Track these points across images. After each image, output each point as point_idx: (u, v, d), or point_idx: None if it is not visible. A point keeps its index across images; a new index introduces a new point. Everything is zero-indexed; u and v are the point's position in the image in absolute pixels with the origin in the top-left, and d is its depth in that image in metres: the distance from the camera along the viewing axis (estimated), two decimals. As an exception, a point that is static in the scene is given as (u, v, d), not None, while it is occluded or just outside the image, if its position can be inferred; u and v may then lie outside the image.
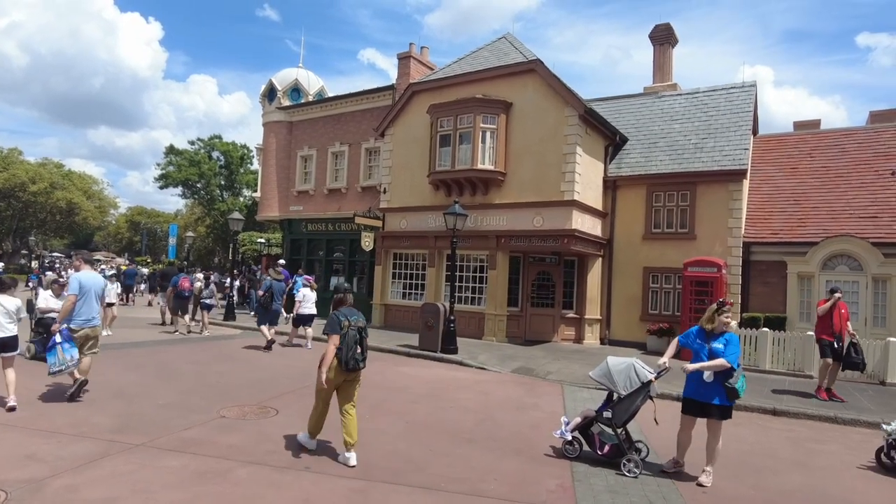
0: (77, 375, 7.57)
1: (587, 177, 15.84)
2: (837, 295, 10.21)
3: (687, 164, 16.33)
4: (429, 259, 17.36)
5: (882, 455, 6.57)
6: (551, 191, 15.29)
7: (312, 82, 23.76)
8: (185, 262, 39.62)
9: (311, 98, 23.21)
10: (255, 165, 46.90)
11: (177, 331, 15.07)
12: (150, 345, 12.85)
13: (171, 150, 44.57)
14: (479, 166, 15.81)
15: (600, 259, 16.90)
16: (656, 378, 6.02)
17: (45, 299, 9.69)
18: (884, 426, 6.64)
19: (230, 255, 20.30)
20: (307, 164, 22.53)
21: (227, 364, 11.06)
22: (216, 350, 12.70)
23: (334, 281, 21.47)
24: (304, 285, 14.36)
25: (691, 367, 5.86)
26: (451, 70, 17.73)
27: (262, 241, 26.75)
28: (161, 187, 44.56)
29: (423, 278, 17.80)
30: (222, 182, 45.88)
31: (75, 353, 7.48)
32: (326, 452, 6.01)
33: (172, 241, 47.80)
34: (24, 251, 52.76)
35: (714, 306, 5.94)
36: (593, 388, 10.48)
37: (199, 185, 45.01)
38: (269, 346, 12.71)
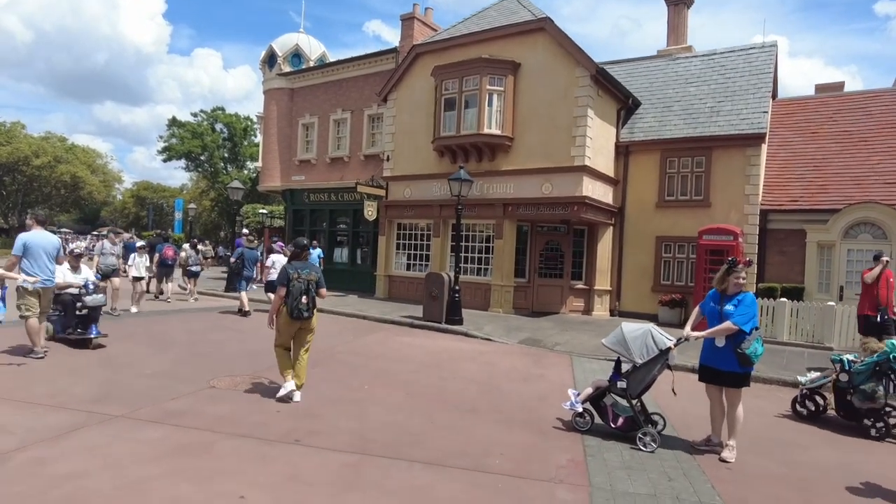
0: (42, 342, 7.85)
1: (598, 142, 15.17)
2: (886, 259, 9.52)
3: (702, 129, 15.60)
4: (433, 229, 16.84)
5: (796, 404, 7.05)
6: (561, 156, 14.65)
7: (314, 47, 22.99)
8: (191, 236, 39.36)
9: (312, 64, 22.46)
10: (259, 137, 46.26)
11: (168, 298, 15.21)
12: (145, 315, 12.51)
13: (173, 122, 43.90)
14: (486, 131, 15.16)
15: (611, 228, 16.32)
16: (675, 346, 5.54)
17: (63, 273, 8.89)
18: (800, 378, 7.18)
19: (233, 227, 19.84)
20: (309, 133, 21.92)
21: (223, 333, 10.69)
22: (213, 320, 12.34)
23: (338, 252, 21.07)
24: (277, 251, 13.75)
25: (694, 333, 5.43)
26: (457, 30, 16.95)
27: (265, 212, 26.29)
28: (164, 160, 44.06)
29: (428, 249, 17.32)
30: (226, 155, 45.29)
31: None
32: (321, 422, 5.61)
33: (178, 215, 47.48)
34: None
35: (725, 266, 5.44)
36: (603, 360, 10.06)
37: (202, 158, 44.44)
38: (241, 311, 13.11)
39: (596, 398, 5.84)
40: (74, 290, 8.80)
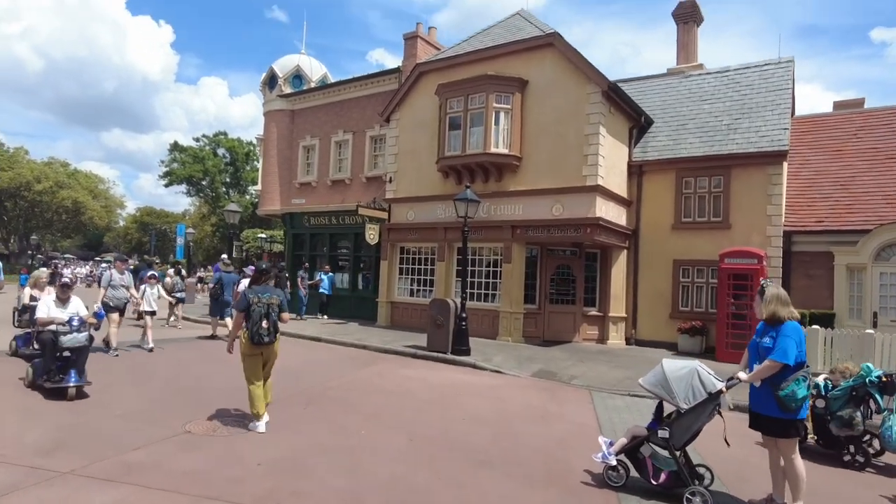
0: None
1: (611, 161, 14.46)
2: None
3: (720, 147, 14.89)
4: (438, 253, 16.06)
5: None
6: (572, 176, 13.93)
7: (315, 69, 22.57)
8: (191, 262, 38.70)
9: (313, 85, 22.00)
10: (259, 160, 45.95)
11: (212, 334, 13.59)
12: (125, 345, 11.67)
13: (175, 146, 43.68)
14: (493, 150, 14.49)
15: (625, 251, 15.51)
16: (727, 388, 4.67)
17: (47, 306, 7.65)
18: None
19: (231, 251, 19.15)
20: (309, 155, 21.34)
21: (210, 366, 9.84)
22: (202, 350, 11.49)
23: (338, 278, 20.26)
24: (249, 276, 13.40)
25: (743, 376, 4.60)
26: (461, 48, 16.43)
27: (263, 236, 25.61)
28: (166, 185, 43.74)
29: (432, 274, 16.51)
30: (228, 179, 44.95)
31: None
32: (308, 478, 4.74)
33: (180, 240, 46.95)
34: (30, 251, 52.19)
35: (759, 290, 4.65)
36: (625, 395, 9.17)
37: (203, 183, 44.07)
38: (212, 336, 13.11)
39: (632, 448, 4.97)
40: (59, 327, 7.31)
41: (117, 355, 10.21)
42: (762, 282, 4.81)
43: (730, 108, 15.77)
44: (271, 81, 22.24)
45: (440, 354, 11.74)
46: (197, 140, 44.35)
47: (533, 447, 6.07)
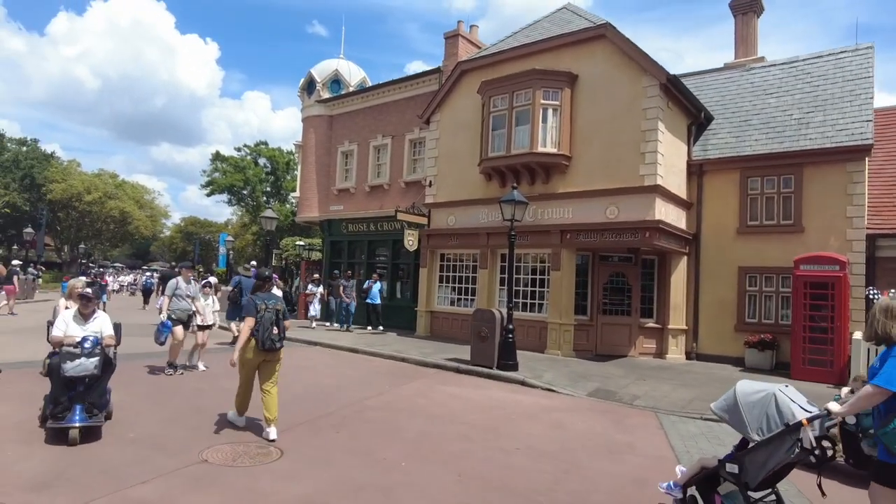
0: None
1: (669, 160, 13.31)
2: None
3: (790, 143, 13.55)
4: (480, 259, 15.15)
5: None
6: (628, 175, 12.85)
7: (353, 73, 22.10)
8: (231, 271, 38.82)
9: (352, 89, 21.50)
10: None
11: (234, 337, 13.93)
12: (160, 355, 11.15)
13: (217, 156, 44.23)
14: (540, 149, 13.54)
15: (685, 257, 14.26)
16: (811, 420, 3.57)
17: (65, 322, 6.10)
18: None
19: (269, 259, 18.74)
20: (348, 160, 20.81)
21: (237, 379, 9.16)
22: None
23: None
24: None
25: (837, 408, 3.52)
26: (505, 44, 15.58)
27: (302, 244, 25.21)
28: (208, 194, 44.27)
29: (474, 282, 15.60)
30: (268, 189, 45.20)
31: None
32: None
33: (223, 250, 47.46)
34: (81, 260, 53.71)
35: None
36: (698, 419, 8.06)
37: (244, 192, 44.43)
38: (234, 341, 12.47)
39: (705, 483, 3.98)
40: (67, 349, 5.82)
41: (174, 373, 9.40)
42: (869, 293, 3.73)
43: (800, 101, 14.38)
44: (310, 87, 21.87)
45: (485, 369, 10.81)
46: (238, 150, 44.90)
47: (606, 489, 5.08)
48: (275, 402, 6.07)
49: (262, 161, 46.35)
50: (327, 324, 18.01)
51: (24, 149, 51.79)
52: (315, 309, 17.66)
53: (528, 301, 14.48)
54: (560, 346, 13.39)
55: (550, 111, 13.67)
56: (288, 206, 45.17)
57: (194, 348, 10.17)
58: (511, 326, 10.95)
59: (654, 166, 12.56)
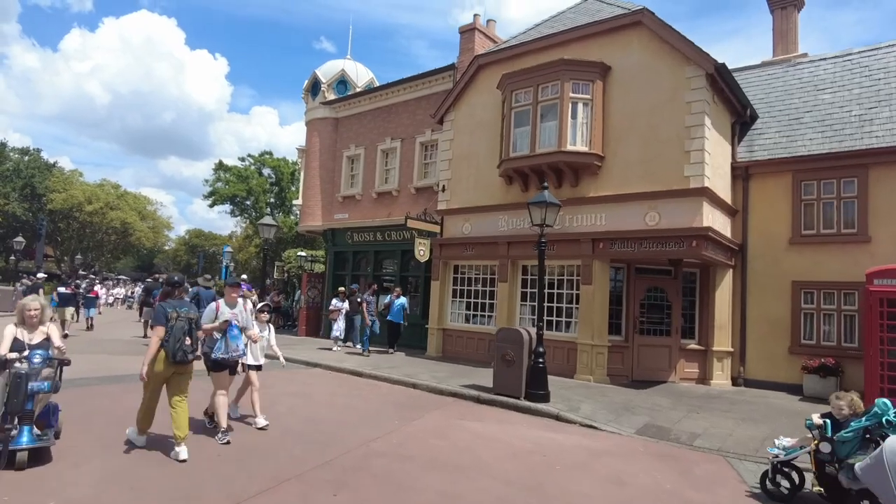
0: None
1: (715, 160, 11.79)
2: None
3: (851, 142, 12.02)
4: (499, 272, 13.60)
5: (767, 481, 5.51)
6: (670, 177, 11.35)
7: (361, 74, 20.81)
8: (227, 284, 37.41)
9: (359, 90, 20.18)
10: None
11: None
12: (133, 379, 9.63)
13: (220, 166, 43.03)
14: (569, 147, 12.06)
15: (730, 271, 12.68)
16: None
17: (9, 335, 5.32)
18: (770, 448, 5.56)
19: (264, 269, 17.30)
20: (353, 165, 19.43)
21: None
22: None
23: (384, 300, 18.04)
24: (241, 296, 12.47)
25: None
26: (527, 36, 14.19)
27: (303, 255, 23.78)
28: (210, 205, 42.98)
29: (492, 296, 14.07)
30: (272, 200, 43.92)
31: None
32: None
33: (225, 263, 46.11)
34: (82, 272, 52.53)
35: None
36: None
37: (248, 203, 43.17)
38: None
39: None
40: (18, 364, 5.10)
41: (228, 442, 6.24)
42: None
43: (859, 96, 12.87)
44: (314, 88, 20.58)
45: (511, 399, 9.23)
46: (242, 160, 43.70)
47: None
48: (185, 416, 5.63)
49: (266, 172, 45.15)
50: (350, 345, 15.66)
51: (26, 158, 50.89)
52: (339, 328, 15.19)
53: (555, 319, 12.90)
54: (592, 371, 11.79)
55: (580, 106, 12.22)
56: (292, 217, 43.89)
57: (241, 394, 7.58)
58: (542, 349, 9.38)
59: (700, 166, 11.05)
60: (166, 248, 76.37)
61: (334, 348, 14.95)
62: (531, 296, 13.31)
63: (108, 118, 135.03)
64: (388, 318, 14.81)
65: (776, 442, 5.60)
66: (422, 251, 14.38)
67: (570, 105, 12.14)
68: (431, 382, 10.51)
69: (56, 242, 51.13)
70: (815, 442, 5.16)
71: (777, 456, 5.45)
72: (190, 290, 15.58)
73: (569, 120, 12.10)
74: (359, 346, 14.67)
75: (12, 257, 39.42)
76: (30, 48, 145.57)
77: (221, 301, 6.57)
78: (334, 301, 15.49)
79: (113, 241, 50.77)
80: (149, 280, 21.49)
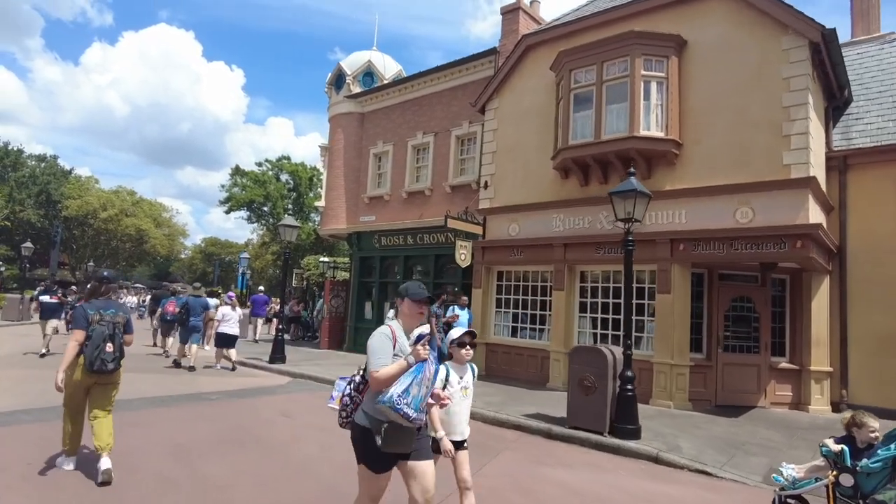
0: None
1: (815, 147, 10.01)
2: None
3: (975, 126, 10.17)
4: (555, 279, 11.87)
5: None
6: (764, 166, 9.58)
7: (389, 66, 19.29)
8: (249, 292, 36.11)
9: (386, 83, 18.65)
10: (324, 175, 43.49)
11: (175, 360, 12.44)
12: (141, 404, 8.02)
13: (236, 171, 41.88)
14: (642, 133, 10.34)
15: (827, 277, 10.83)
16: None
17: None
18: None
19: (285, 274, 15.75)
20: (381, 164, 17.87)
21: (235, 454, 6.02)
22: (233, 418, 7.71)
23: (467, 316, 16.38)
24: (227, 303, 12.81)
25: None
26: (583, 12, 12.56)
27: (326, 260, 22.23)
28: (226, 211, 41.77)
29: (545, 307, 12.34)
30: (289, 206, 42.63)
31: None
32: None
33: (241, 270, 44.87)
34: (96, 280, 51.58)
35: None
36: None
37: (265, 209, 41.91)
38: (178, 364, 12.14)
39: None
40: None
41: None
42: None
43: (978, 73, 11.03)
44: (338, 81, 19.09)
45: (593, 435, 7.49)
46: (259, 165, 42.51)
47: None
48: (107, 427, 5.10)
49: (283, 177, 43.96)
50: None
51: (43, 165, 50.25)
52: None
53: (620, 333, 11.12)
54: (672, 395, 9.99)
55: (654, 85, 10.52)
56: (310, 224, 42.58)
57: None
58: (630, 374, 7.64)
59: (804, 153, 9.28)
60: (182, 256, 75.70)
61: None
62: (592, 306, 11.57)
63: (127, 129, 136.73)
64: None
65: (782, 471, 4.72)
66: (463, 255, 12.70)
67: (641, 84, 10.43)
68: (486, 410, 8.79)
69: (71, 250, 50.33)
70: (833, 473, 4.34)
71: (783, 488, 4.64)
72: (180, 297, 14.41)
73: (641, 102, 10.39)
74: None
75: (26, 264, 38.47)
76: (52, 62, 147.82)
77: (395, 324, 3.63)
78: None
79: (128, 248, 49.86)
80: (154, 290, 20.30)
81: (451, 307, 11.62)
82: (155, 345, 15.70)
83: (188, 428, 6.95)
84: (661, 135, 10.38)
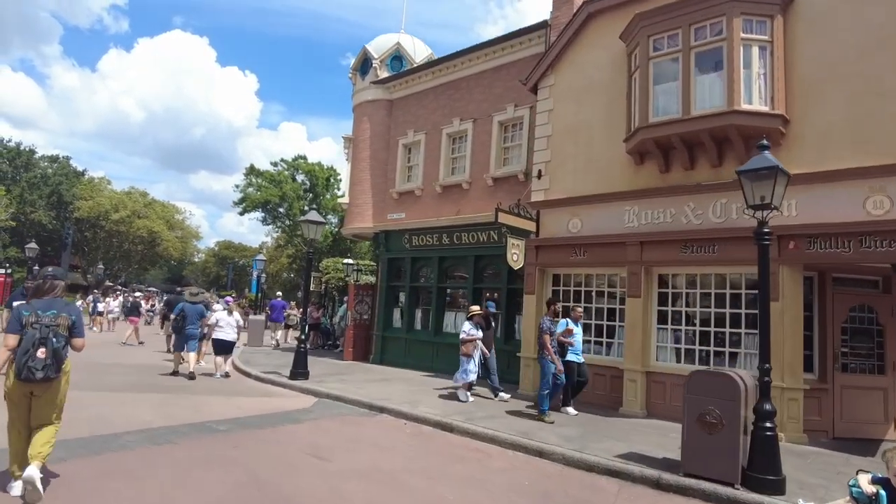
0: None
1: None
2: None
3: None
4: (629, 283, 10.06)
5: None
6: (904, 143, 7.77)
7: (419, 50, 17.65)
8: (262, 296, 34.72)
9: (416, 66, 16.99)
10: (342, 190, 42.04)
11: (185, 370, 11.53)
12: (135, 441, 6.35)
13: (251, 170, 40.47)
14: (743, 107, 8.56)
15: (963, 283, 8.95)
16: None
17: None
18: None
19: (308, 276, 14.19)
20: (412, 155, 16.23)
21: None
22: (249, 460, 5.98)
23: (449, 319, 14.69)
24: (223, 308, 12.53)
25: None
26: (654, -27, 10.81)
27: (350, 262, 20.58)
28: (241, 213, 40.41)
29: (614, 317, 10.57)
30: (306, 207, 41.17)
31: None
32: None
33: (256, 274, 43.49)
34: (108, 283, 50.54)
35: None
36: None
37: (281, 210, 40.45)
38: (175, 372, 11.73)
39: None
40: None
41: None
42: None
43: None
44: (363, 66, 17.48)
45: (720, 487, 5.69)
46: (274, 164, 41.11)
47: None
48: (45, 436, 4.47)
49: (300, 178, 42.55)
50: (498, 394, 10.53)
51: (55, 165, 49.29)
52: (472, 367, 10.19)
53: (711, 348, 9.33)
54: (783, 426, 8.09)
55: (755, 50, 8.73)
56: (328, 226, 41.09)
57: None
58: (770, 407, 5.84)
59: (959, 126, 7.45)
60: (195, 259, 74.71)
61: (464, 397, 10.07)
62: (673, 316, 9.79)
63: (142, 134, 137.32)
64: (568, 356, 9.40)
65: None
66: (516, 255, 10.95)
67: (741, 49, 8.65)
68: (566, 448, 7.02)
69: (83, 252, 49.29)
70: None
71: None
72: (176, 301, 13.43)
73: (741, 70, 8.60)
74: (506, 395, 10.39)
75: (36, 267, 37.29)
76: (70, 68, 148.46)
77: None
78: (467, 327, 10.48)
79: (140, 250, 48.69)
80: (169, 294, 19.09)
81: (563, 321, 9.57)
82: (169, 350, 14.34)
83: (190, 480, 5.27)
84: (766, 109, 8.58)
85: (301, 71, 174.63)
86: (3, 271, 30.02)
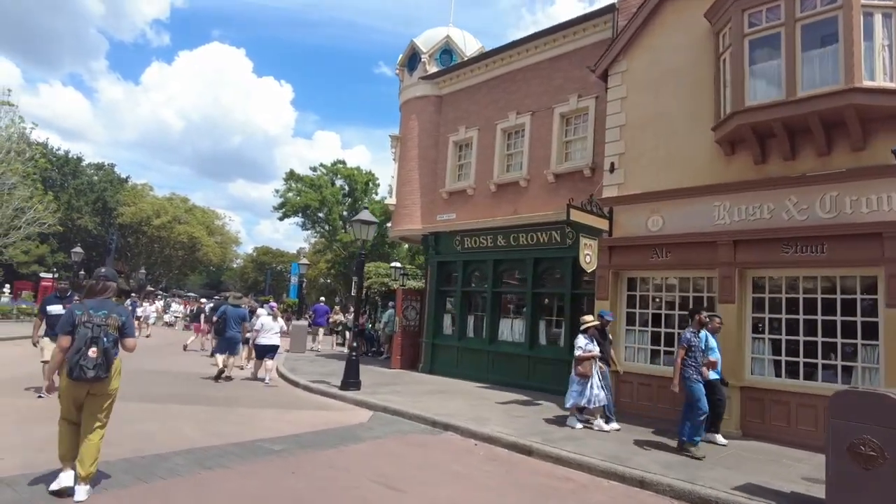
0: None
1: None
2: None
3: None
4: (720, 287, 8.99)
5: None
6: None
7: (469, 43, 16.88)
8: (302, 302, 34.43)
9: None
10: (380, 195, 41.65)
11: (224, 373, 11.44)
12: (178, 465, 5.64)
13: (291, 175, 40.38)
14: (865, 84, 7.46)
15: None
16: None
17: None
18: None
19: (361, 280, 13.53)
20: (463, 153, 15.43)
21: None
22: (312, 491, 5.20)
23: (505, 326, 13.79)
24: (268, 314, 12.27)
25: None
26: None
27: (398, 265, 19.88)
28: (280, 218, 40.31)
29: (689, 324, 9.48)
30: (345, 212, 40.88)
31: None
32: None
33: (294, 279, 43.39)
34: (149, 288, 51.25)
35: None
36: None
37: (320, 215, 40.23)
38: (218, 376, 11.37)
39: None
40: None
41: None
42: None
43: None
44: (411, 61, 16.80)
45: (885, 536, 4.64)
46: (314, 170, 40.97)
47: None
48: (93, 450, 4.52)
49: (338, 182, 42.33)
50: (609, 422, 8.56)
51: (100, 172, 50.33)
52: (593, 390, 8.48)
53: (809, 360, 8.19)
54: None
55: (878, 18, 7.63)
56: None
57: None
58: (949, 437, 4.76)
59: None
60: (234, 265, 75.56)
61: (574, 424, 8.49)
62: (771, 324, 8.68)
63: (182, 143, 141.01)
64: (711, 376, 7.70)
65: None
66: (588, 256, 9.97)
67: (861, 17, 7.56)
68: (672, 479, 6.02)
69: (126, 258, 50.11)
70: None
71: None
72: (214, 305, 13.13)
73: (861, 42, 7.51)
74: (617, 426, 8.46)
75: (82, 272, 37.85)
76: (115, 82, 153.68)
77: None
78: (582, 342, 8.81)
79: (181, 256, 49.21)
80: (216, 297, 18.77)
81: (703, 333, 7.76)
82: (212, 355, 13.91)
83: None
84: (892, 86, 7.46)
85: (335, 80, 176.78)
86: (49, 275, 30.36)
